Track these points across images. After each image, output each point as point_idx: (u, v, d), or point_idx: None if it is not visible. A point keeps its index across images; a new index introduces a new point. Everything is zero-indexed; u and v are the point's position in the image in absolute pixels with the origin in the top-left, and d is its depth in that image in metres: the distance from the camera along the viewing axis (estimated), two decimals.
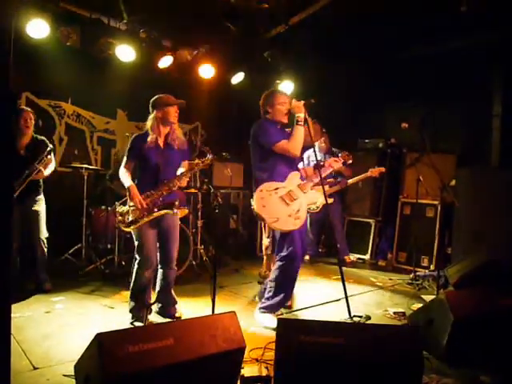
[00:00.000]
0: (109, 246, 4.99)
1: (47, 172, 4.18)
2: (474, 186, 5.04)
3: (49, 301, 3.99)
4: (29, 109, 4.18)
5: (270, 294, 3.64)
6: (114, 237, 4.92)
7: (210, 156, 3.50)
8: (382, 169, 5.23)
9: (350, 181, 5.63)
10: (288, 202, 3.54)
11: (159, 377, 2.03)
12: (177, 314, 3.72)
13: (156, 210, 3.39)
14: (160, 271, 3.67)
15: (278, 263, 3.63)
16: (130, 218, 3.41)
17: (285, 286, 3.63)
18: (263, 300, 3.70)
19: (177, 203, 3.46)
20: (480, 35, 4.98)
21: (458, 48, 5.22)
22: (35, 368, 2.68)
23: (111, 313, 3.72)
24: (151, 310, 3.64)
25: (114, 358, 1.92)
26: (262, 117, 3.74)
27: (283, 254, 3.58)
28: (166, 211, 3.42)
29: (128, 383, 1.96)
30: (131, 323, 3.51)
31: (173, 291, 3.74)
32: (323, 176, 3.73)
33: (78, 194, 5.04)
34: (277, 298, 3.62)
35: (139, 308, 3.50)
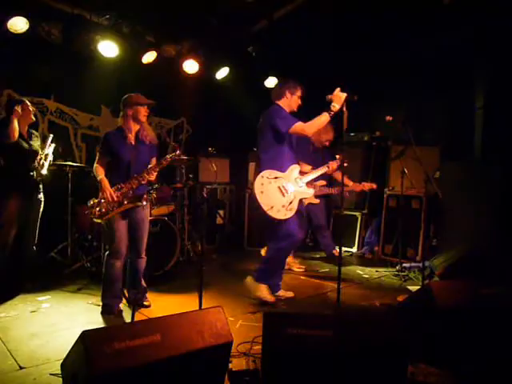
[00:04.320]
0: (95, 244, 4.95)
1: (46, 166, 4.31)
2: (458, 178, 5.11)
3: (35, 300, 3.95)
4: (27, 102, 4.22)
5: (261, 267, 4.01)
6: (100, 234, 4.88)
7: (178, 151, 3.67)
8: (374, 186, 5.35)
9: (347, 194, 5.48)
10: (284, 193, 3.82)
11: (146, 373, 2.03)
12: (146, 303, 3.88)
13: (126, 202, 3.57)
14: (129, 261, 3.83)
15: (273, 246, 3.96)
16: (102, 210, 3.55)
17: (274, 262, 4.00)
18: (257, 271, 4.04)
19: (145, 196, 3.68)
20: (463, 29, 5.02)
21: (442, 41, 5.26)
22: (21, 368, 2.66)
23: (98, 311, 3.69)
24: (121, 298, 3.78)
25: (101, 356, 1.91)
26: (274, 102, 4.01)
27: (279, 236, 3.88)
28: (135, 203, 3.61)
29: (115, 380, 1.95)
30: (101, 312, 3.65)
31: (142, 280, 3.89)
32: (318, 174, 4.27)
33: (63, 191, 4.98)
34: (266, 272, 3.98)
35: (111, 297, 3.67)
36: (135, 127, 3.70)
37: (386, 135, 6.19)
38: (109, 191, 3.52)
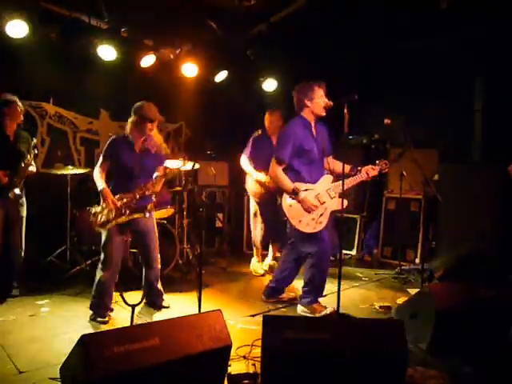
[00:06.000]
0: (93, 248, 4.94)
1: (34, 169, 4.14)
2: (456, 180, 5.11)
3: (34, 304, 3.94)
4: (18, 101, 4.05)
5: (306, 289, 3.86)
6: (99, 238, 4.86)
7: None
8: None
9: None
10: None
11: (145, 377, 2.03)
12: (165, 304, 3.93)
13: (128, 212, 3.50)
14: (144, 270, 3.86)
15: (309, 261, 3.81)
16: (103, 219, 3.50)
17: (319, 277, 3.81)
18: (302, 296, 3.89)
19: (149, 207, 3.63)
20: (463, 29, 5.03)
21: (441, 41, 5.27)
22: (21, 372, 2.66)
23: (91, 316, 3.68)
24: (112, 309, 3.71)
25: (100, 360, 1.92)
26: (297, 112, 3.84)
27: (311, 252, 3.76)
28: (138, 214, 3.54)
29: None
30: (91, 319, 3.57)
31: (159, 285, 3.92)
32: (355, 183, 3.84)
33: (62, 195, 4.98)
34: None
35: (99, 304, 3.60)
36: (141, 136, 3.65)
37: (385, 138, 6.19)
38: (111, 199, 3.47)
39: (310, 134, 3.81)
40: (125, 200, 3.50)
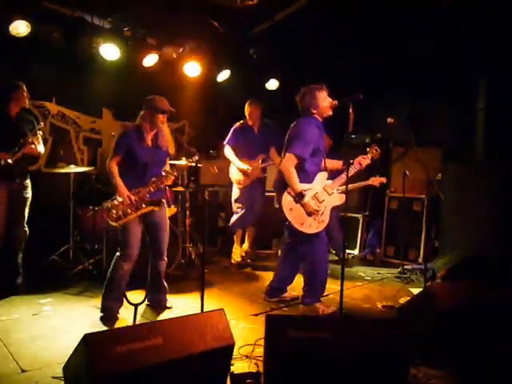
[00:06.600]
0: (96, 247, 4.95)
1: (40, 148, 4.15)
2: (459, 179, 5.10)
3: (36, 303, 3.94)
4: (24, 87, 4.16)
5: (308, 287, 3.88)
6: (101, 237, 4.87)
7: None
8: (384, 179, 5.21)
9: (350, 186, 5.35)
10: None
11: (148, 376, 2.03)
12: (168, 305, 3.90)
13: (144, 206, 3.52)
14: (151, 262, 3.82)
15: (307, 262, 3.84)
16: (118, 214, 3.47)
17: (319, 277, 3.85)
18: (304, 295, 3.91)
19: (164, 201, 3.65)
20: (464, 29, 5.02)
21: (443, 42, 5.26)
22: (23, 371, 2.66)
23: (99, 314, 3.69)
24: (122, 303, 3.64)
25: (103, 359, 1.92)
26: (303, 113, 3.82)
27: (309, 251, 3.79)
28: (152, 207, 3.57)
29: (117, 383, 1.96)
30: (101, 318, 3.53)
31: (164, 280, 3.90)
32: (349, 175, 3.69)
33: (65, 194, 4.99)
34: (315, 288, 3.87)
35: (113, 299, 3.57)
36: (152, 129, 3.66)
37: (388, 137, 6.17)
38: (126, 194, 3.45)
39: (322, 135, 3.82)
40: (140, 194, 3.51)
